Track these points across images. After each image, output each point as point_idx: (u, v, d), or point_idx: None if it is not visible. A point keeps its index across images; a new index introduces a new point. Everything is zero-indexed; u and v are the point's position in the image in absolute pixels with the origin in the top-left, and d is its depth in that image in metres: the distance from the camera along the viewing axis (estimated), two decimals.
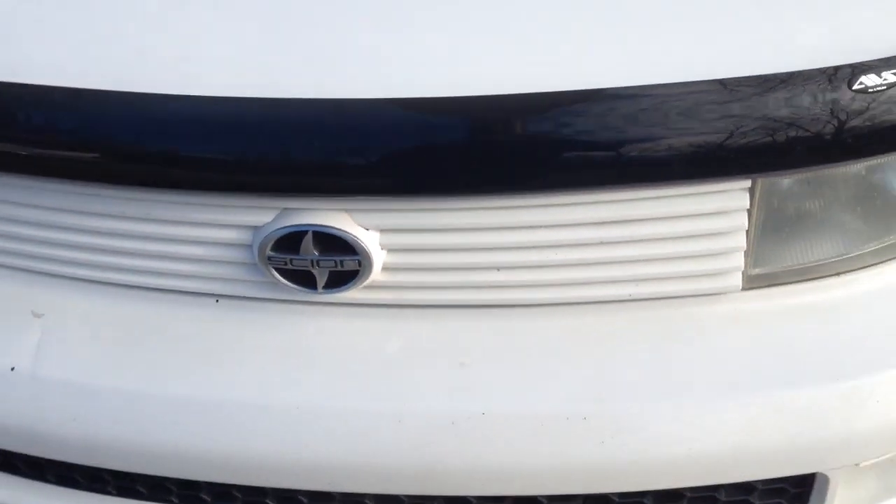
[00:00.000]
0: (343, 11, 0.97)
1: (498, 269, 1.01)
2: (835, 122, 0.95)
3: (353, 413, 1.00)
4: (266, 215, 0.99)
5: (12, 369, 1.06)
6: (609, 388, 0.99)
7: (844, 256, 1.07)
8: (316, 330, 1.06)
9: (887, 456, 1.06)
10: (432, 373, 1.01)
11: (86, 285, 1.11)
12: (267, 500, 1.17)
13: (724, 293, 1.05)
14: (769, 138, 0.93)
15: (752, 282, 1.06)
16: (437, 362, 1.02)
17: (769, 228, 1.04)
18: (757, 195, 1.00)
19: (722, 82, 0.93)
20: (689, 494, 1.07)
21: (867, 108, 0.95)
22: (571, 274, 1.02)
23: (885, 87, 0.94)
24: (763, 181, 0.99)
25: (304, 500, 1.15)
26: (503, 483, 1.02)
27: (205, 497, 1.18)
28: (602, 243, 0.99)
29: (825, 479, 1.04)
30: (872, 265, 1.08)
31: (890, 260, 1.09)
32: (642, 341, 1.03)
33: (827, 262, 1.07)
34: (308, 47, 0.95)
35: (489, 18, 0.97)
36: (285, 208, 0.99)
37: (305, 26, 0.96)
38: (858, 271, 1.08)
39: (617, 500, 1.11)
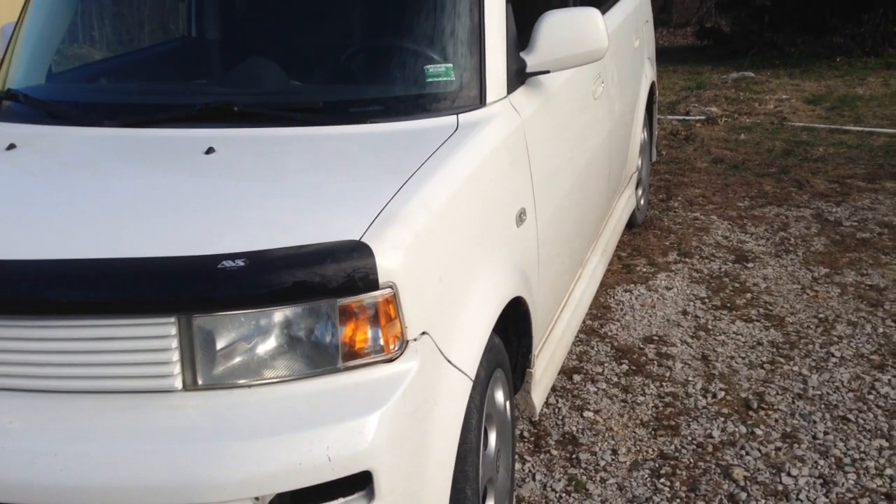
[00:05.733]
0: None
1: (30, 364, 1.70)
2: (210, 288, 1.64)
3: None
4: None
5: None
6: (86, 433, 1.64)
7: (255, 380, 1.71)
8: None
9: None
10: None
11: None
12: None
13: (170, 391, 1.68)
14: (173, 295, 1.63)
15: (192, 386, 1.69)
16: None
17: (200, 350, 1.68)
18: (182, 328, 1.66)
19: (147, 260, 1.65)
20: None
21: (229, 283, 1.63)
22: (73, 371, 1.69)
23: (236, 268, 1.63)
24: (183, 319, 1.66)
25: None
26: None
27: None
28: (82, 352, 1.67)
29: None
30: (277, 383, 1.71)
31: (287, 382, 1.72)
32: (113, 420, 1.66)
33: (248, 380, 1.71)
34: None
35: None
36: None
37: None
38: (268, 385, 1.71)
39: None
